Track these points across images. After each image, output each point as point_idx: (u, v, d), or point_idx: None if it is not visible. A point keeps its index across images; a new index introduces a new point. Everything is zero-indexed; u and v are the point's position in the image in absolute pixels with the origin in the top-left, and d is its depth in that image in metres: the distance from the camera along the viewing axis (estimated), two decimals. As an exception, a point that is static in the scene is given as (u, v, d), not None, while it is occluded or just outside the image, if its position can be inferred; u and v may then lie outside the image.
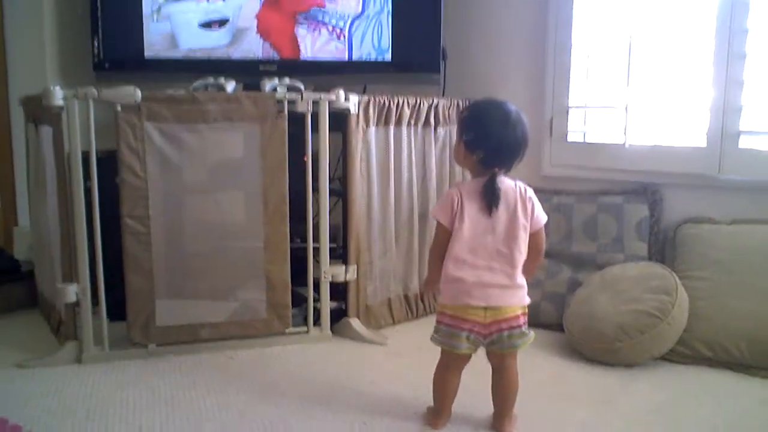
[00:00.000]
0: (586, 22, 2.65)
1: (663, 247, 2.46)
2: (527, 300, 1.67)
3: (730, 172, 2.33)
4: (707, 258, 2.26)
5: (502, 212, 1.63)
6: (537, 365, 2.12)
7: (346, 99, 2.28)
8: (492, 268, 1.62)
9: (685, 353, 2.15)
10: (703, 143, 2.39)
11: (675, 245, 2.38)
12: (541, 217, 1.67)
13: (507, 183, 1.65)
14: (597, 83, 2.66)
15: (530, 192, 1.67)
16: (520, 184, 1.67)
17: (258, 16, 2.60)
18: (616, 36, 2.57)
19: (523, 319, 1.65)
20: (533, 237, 1.66)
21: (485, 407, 1.76)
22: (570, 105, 2.70)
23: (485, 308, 1.62)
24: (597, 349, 2.15)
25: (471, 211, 1.64)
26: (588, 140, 2.72)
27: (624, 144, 2.55)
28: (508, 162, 1.66)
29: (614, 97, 2.58)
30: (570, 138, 2.72)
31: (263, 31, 2.62)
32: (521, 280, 1.65)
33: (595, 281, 2.34)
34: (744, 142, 2.33)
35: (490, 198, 1.62)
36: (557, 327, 2.37)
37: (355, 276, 2.36)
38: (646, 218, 2.47)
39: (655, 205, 2.48)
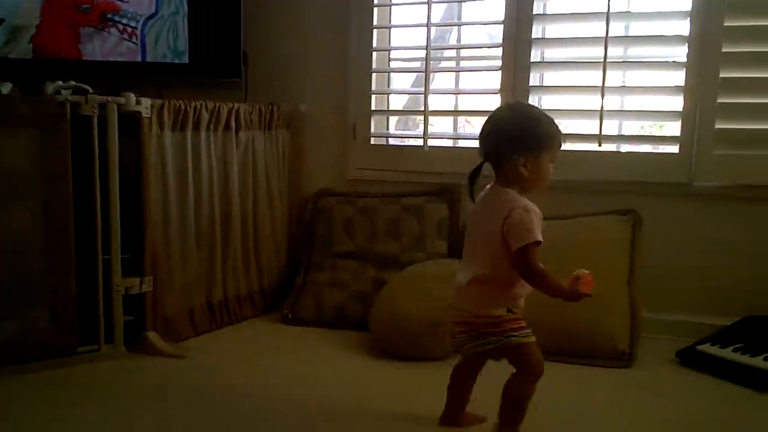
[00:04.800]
0: (388, 26, 2.72)
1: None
2: (491, 311, 1.57)
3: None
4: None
5: (482, 218, 1.60)
6: (343, 365, 2.12)
7: (138, 102, 2.17)
8: (466, 268, 1.62)
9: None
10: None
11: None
12: (518, 239, 1.51)
13: (503, 196, 1.56)
14: (399, 88, 2.74)
15: (518, 213, 1.52)
16: (519, 204, 1.54)
17: (40, 14, 2.41)
18: (414, 41, 2.66)
19: (470, 327, 1.59)
20: (513, 256, 1.54)
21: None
22: (373, 109, 2.75)
23: (450, 305, 1.64)
24: (402, 345, 2.19)
25: (472, 214, 1.67)
26: (391, 143, 2.78)
27: (423, 147, 2.62)
28: (488, 152, 1.58)
29: (415, 102, 2.67)
30: (373, 141, 2.77)
31: (45, 30, 2.43)
32: (483, 287, 1.58)
33: (397, 280, 2.38)
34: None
35: (469, 181, 1.61)
36: (365, 326, 2.38)
37: (152, 287, 2.24)
38: (446, 218, 2.55)
39: (454, 204, 2.57)
